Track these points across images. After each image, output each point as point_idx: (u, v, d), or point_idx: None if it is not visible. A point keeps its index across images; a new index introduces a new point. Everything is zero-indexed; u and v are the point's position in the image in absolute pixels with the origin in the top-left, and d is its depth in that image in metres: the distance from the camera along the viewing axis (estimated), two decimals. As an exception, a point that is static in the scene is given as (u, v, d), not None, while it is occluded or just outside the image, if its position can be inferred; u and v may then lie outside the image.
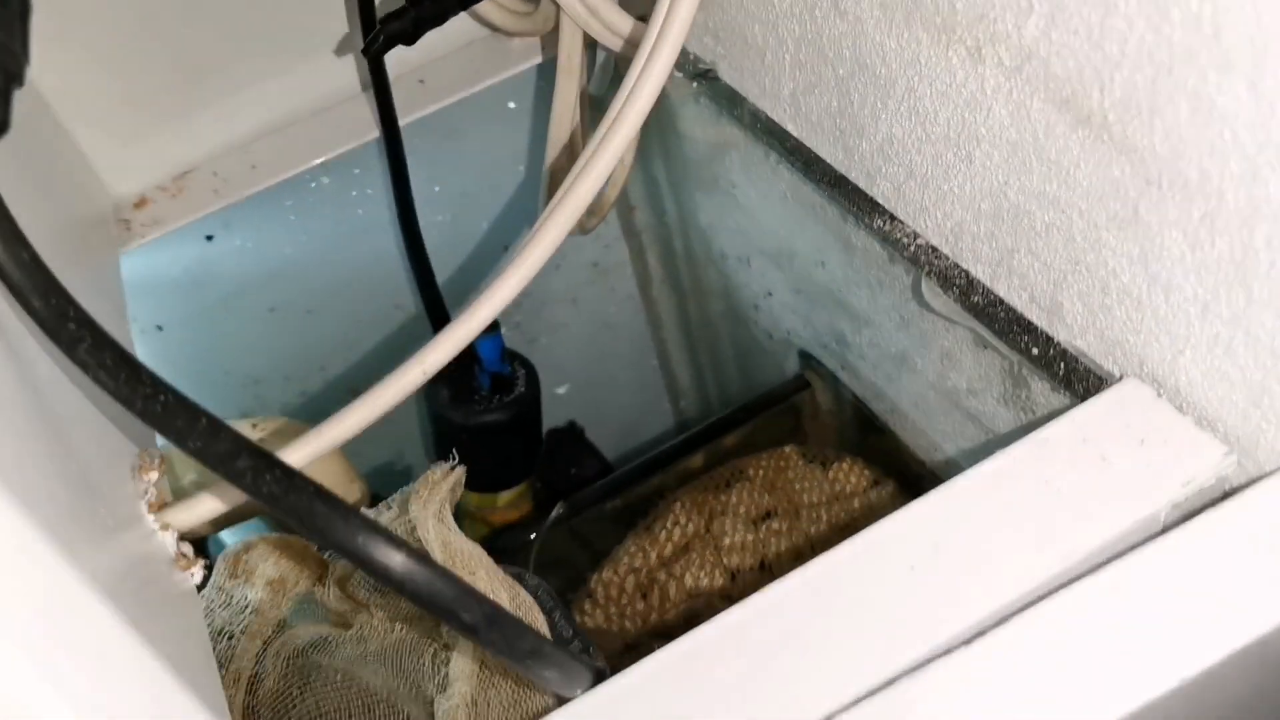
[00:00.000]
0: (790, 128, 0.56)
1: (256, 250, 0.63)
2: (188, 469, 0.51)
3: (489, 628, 0.33)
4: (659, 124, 0.66)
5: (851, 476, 0.59)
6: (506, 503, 0.71)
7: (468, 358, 0.65)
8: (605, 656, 0.45)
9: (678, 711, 0.35)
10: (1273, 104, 0.30)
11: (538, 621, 0.42)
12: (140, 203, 0.59)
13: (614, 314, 0.80)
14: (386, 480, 0.70)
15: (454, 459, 0.44)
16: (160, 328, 0.62)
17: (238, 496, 0.41)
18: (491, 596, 0.41)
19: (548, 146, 0.57)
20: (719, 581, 0.56)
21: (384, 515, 0.44)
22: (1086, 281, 0.41)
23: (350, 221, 0.64)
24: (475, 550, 0.41)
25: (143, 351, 0.60)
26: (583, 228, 0.65)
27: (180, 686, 0.31)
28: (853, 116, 0.50)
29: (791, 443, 0.63)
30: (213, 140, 0.61)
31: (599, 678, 0.36)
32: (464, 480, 0.45)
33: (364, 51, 0.47)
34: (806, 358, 0.64)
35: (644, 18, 0.54)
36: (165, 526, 0.39)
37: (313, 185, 0.61)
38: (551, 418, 0.76)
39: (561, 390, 0.79)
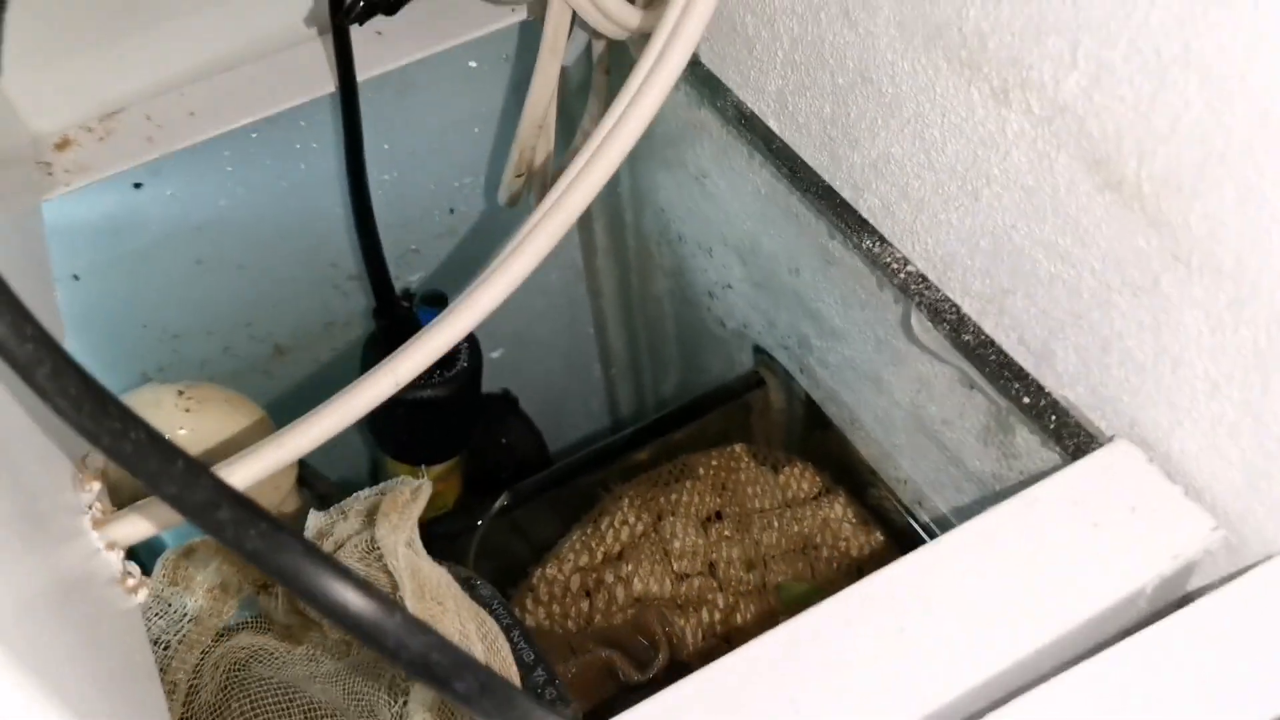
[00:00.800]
0: (773, 124, 0.54)
1: (187, 200, 0.58)
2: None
3: (482, 695, 0.31)
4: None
5: (803, 482, 0.59)
6: (436, 476, 0.68)
7: (411, 328, 0.62)
8: (546, 655, 0.44)
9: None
10: (1332, 212, 0.29)
11: (504, 652, 0.40)
12: (62, 143, 0.53)
13: (554, 280, 0.77)
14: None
15: (422, 475, 0.42)
16: (76, 277, 0.57)
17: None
18: (460, 626, 0.39)
19: (522, 122, 0.54)
20: (667, 587, 0.55)
21: (339, 526, 0.42)
22: (1086, 337, 0.40)
23: (291, 175, 0.60)
24: (444, 577, 0.39)
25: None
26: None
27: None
28: (846, 127, 0.48)
29: (738, 438, 0.62)
30: (146, 77, 0.55)
31: (577, 727, 0.35)
32: (428, 490, 0.42)
33: (342, 19, 0.43)
34: (761, 353, 0.62)
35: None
36: (111, 545, 0.36)
37: (254, 135, 0.57)
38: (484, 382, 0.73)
39: (495, 354, 0.76)
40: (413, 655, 0.30)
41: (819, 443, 0.59)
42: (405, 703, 0.39)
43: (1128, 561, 0.37)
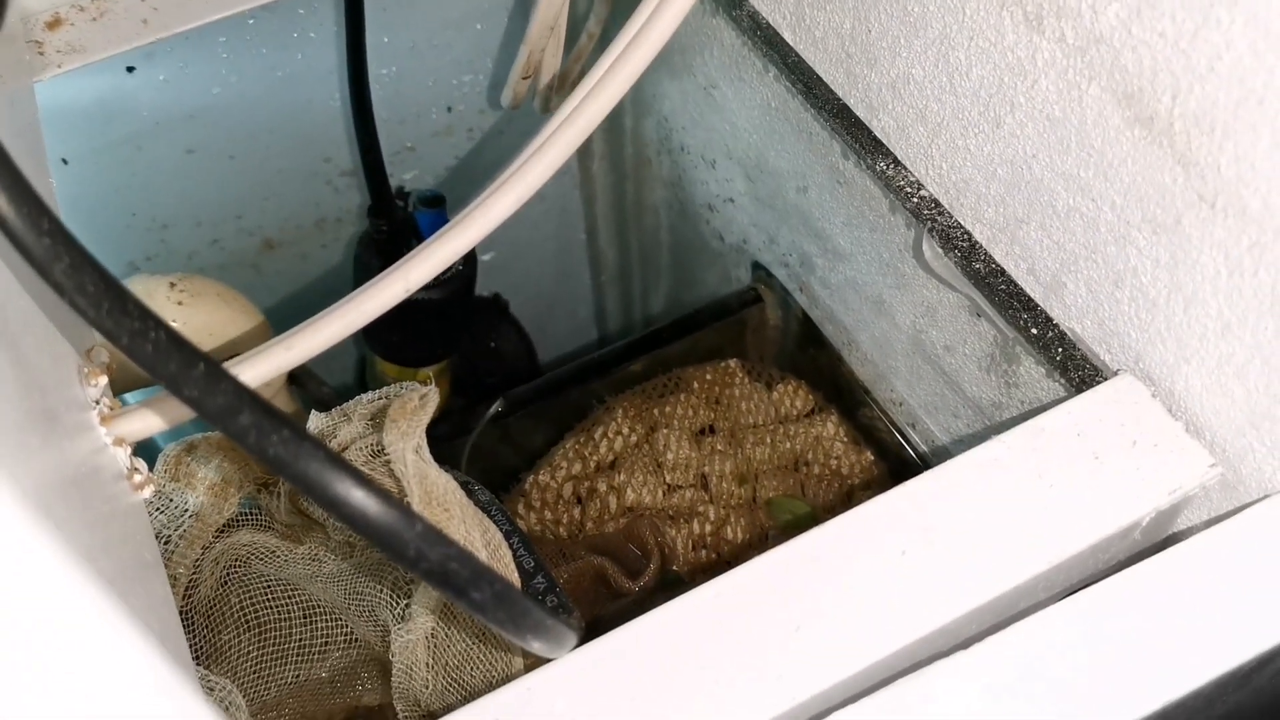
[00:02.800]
0: (788, 36, 0.53)
1: (180, 86, 0.56)
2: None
3: (497, 606, 0.31)
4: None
5: (796, 400, 0.59)
6: (426, 378, 0.68)
7: (408, 230, 0.61)
8: (545, 562, 0.44)
9: (653, 683, 0.34)
10: (1370, 162, 0.29)
11: (506, 559, 0.40)
12: (54, 22, 0.51)
13: (548, 185, 0.76)
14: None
15: (430, 382, 0.41)
16: (65, 161, 0.56)
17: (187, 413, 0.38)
18: (465, 534, 0.39)
19: (532, 23, 0.52)
20: (658, 497, 0.55)
21: (343, 429, 0.42)
22: (1100, 271, 0.40)
23: (287, 65, 0.58)
24: (450, 484, 0.39)
25: (45, 189, 0.54)
26: (546, 106, 0.61)
27: (127, 615, 0.28)
28: (866, 45, 0.48)
29: (733, 353, 0.62)
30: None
31: (581, 640, 0.35)
32: (435, 398, 0.42)
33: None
34: (760, 270, 0.62)
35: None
36: (119, 441, 0.35)
37: (251, 22, 0.55)
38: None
39: (486, 257, 0.76)
40: (431, 565, 0.30)
41: (813, 361, 0.60)
42: (408, 604, 0.39)
43: (1126, 494, 0.38)
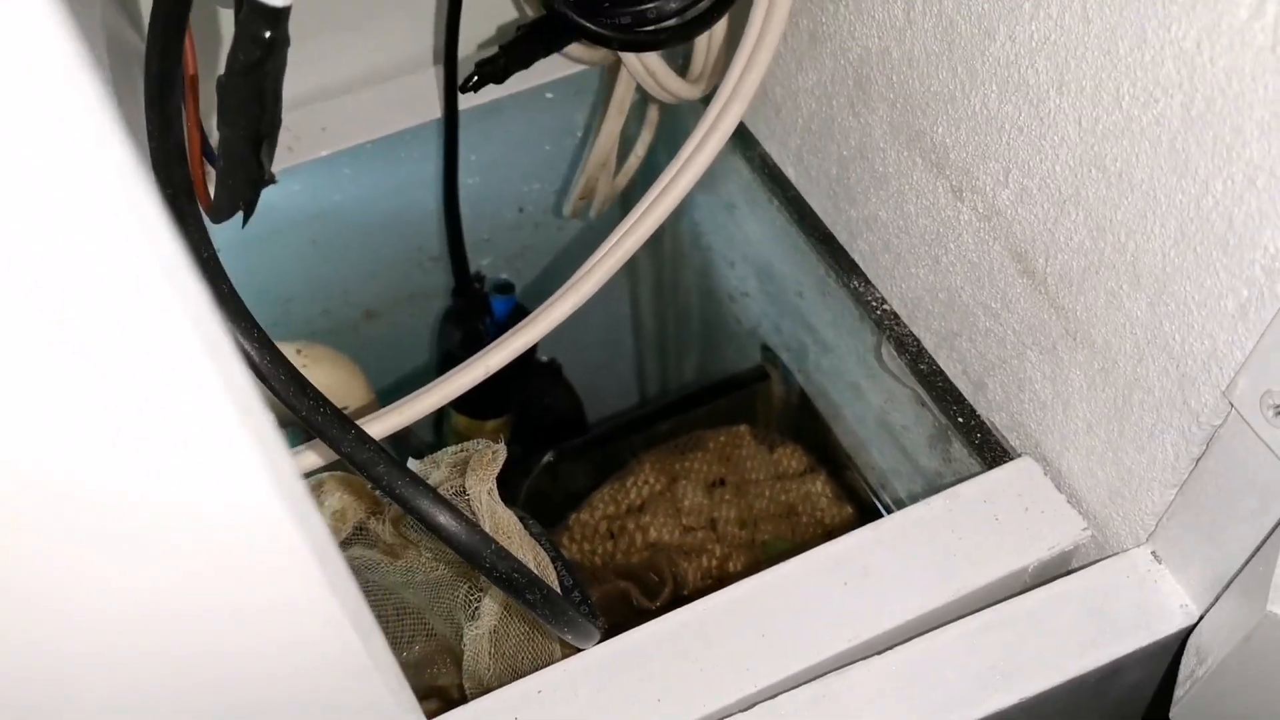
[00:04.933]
0: (790, 172, 0.66)
1: (310, 193, 0.71)
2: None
3: (543, 604, 0.44)
4: (674, 119, 0.75)
5: (793, 461, 0.72)
6: (491, 429, 0.82)
7: (482, 306, 0.76)
8: (581, 582, 0.58)
9: (662, 665, 0.47)
10: (1161, 319, 0.42)
11: (551, 577, 0.54)
12: (220, 147, 0.66)
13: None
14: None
15: (497, 433, 0.55)
16: (219, 250, 0.71)
17: (330, 455, 0.52)
18: (521, 555, 0.53)
19: (588, 163, 0.67)
20: (675, 536, 0.68)
21: (434, 473, 0.55)
22: (1008, 377, 0.53)
23: (394, 178, 0.73)
24: (511, 519, 0.53)
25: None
26: (598, 215, 0.75)
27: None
28: (847, 187, 0.61)
29: (745, 421, 0.75)
30: (290, 93, 0.68)
31: (602, 638, 0.49)
32: (504, 454, 0.55)
33: (460, 89, 0.56)
34: (768, 351, 0.75)
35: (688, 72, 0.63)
36: (280, 479, 0.49)
37: (369, 146, 0.70)
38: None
39: (543, 327, 0.90)
40: (501, 573, 0.43)
41: (809, 429, 0.73)
42: (477, 608, 0.53)
43: (1016, 547, 0.50)
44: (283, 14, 0.34)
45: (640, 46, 0.55)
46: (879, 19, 0.52)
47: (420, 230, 0.77)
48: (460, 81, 0.56)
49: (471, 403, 0.79)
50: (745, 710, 0.46)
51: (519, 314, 0.76)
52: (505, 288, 0.76)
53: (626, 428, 0.74)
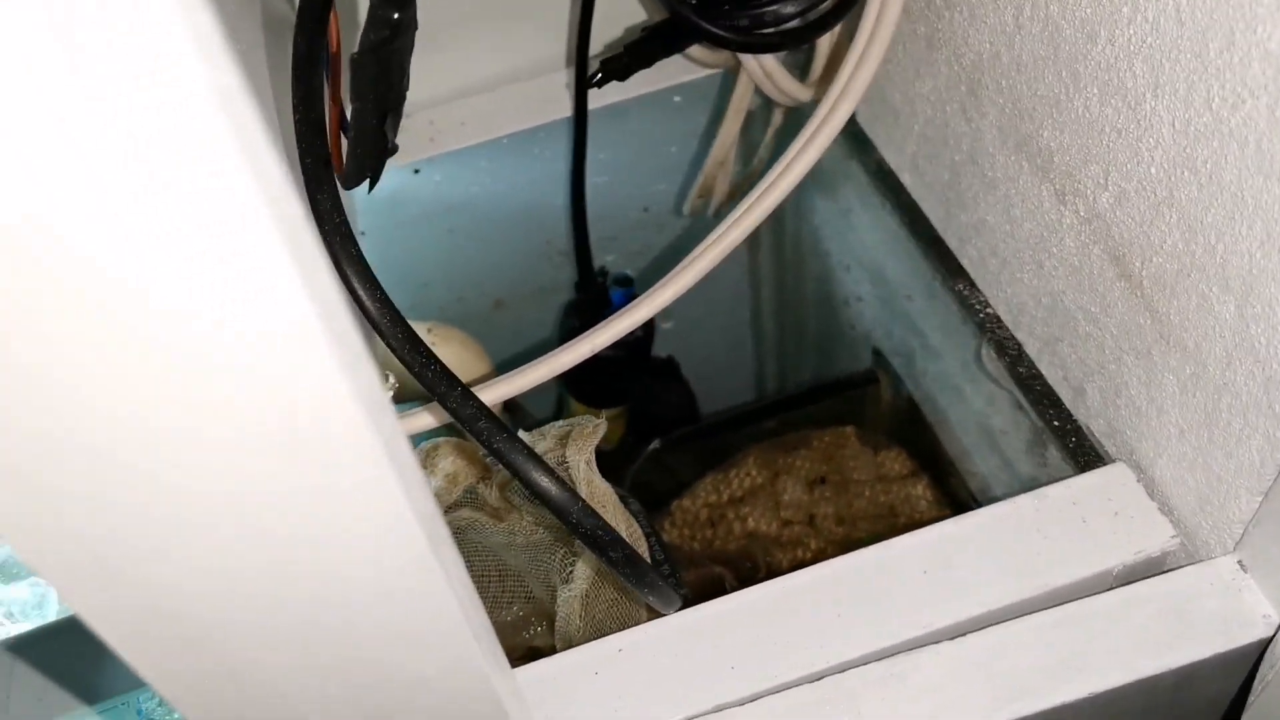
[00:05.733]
0: (905, 178, 0.68)
1: (447, 184, 0.76)
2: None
3: (626, 564, 0.47)
4: (799, 123, 0.77)
5: (895, 464, 0.73)
6: (608, 417, 0.85)
7: (603, 300, 0.79)
8: (672, 559, 0.60)
9: (739, 637, 0.49)
10: (1247, 322, 0.42)
11: (643, 549, 0.56)
12: (369, 137, 0.72)
13: (721, 270, 0.92)
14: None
15: (600, 415, 0.58)
16: (363, 233, 0.76)
17: (445, 415, 0.55)
18: (614, 524, 0.55)
19: (707, 162, 0.69)
20: (773, 528, 0.70)
21: (540, 443, 0.59)
22: (1107, 382, 0.53)
23: (527, 173, 0.77)
24: (607, 489, 0.56)
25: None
26: (716, 214, 0.78)
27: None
28: (958, 193, 0.62)
29: (852, 423, 0.76)
30: (433, 91, 0.73)
31: (684, 604, 0.51)
32: (605, 428, 0.58)
33: (587, 85, 0.59)
34: (879, 356, 0.76)
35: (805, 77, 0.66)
36: (397, 435, 0.54)
37: (505, 143, 0.74)
38: (653, 348, 0.89)
39: (666, 325, 0.93)
40: (586, 529, 0.46)
41: (913, 434, 0.73)
42: (570, 572, 0.56)
43: (1101, 550, 0.50)
44: (409, -2, 0.38)
45: (757, 48, 0.58)
46: (990, 24, 0.54)
47: (550, 225, 0.81)
48: (585, 77, 0.59)
49: (590, 392, 0.83)
50: (813, 682, 0.48)
51: (638, 305, 0.79)
52: (624, 281, 0.79)
53: (734, 421, 0.76)
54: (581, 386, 0.83)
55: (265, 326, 0.22)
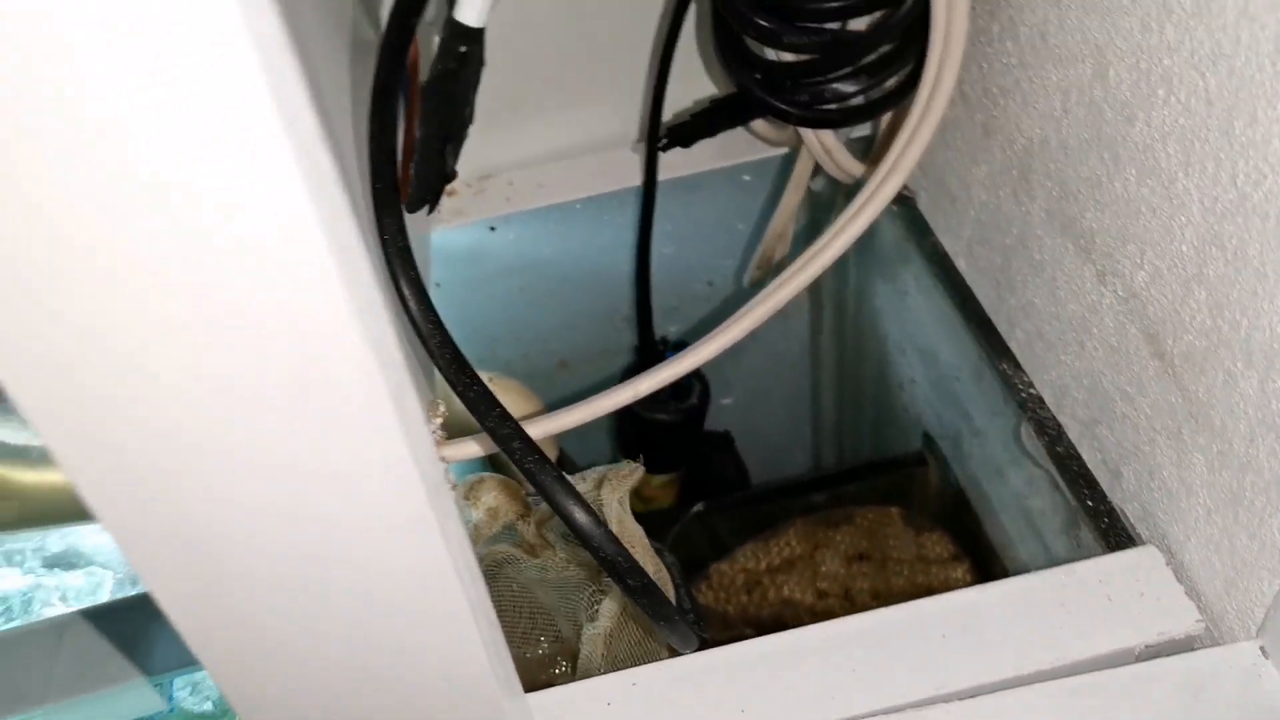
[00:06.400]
0: (961, 263, 0.69)
1: (521, 244, 0.80)
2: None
3: (643, 593, 0.48)
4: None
5: (937, 547, 0.73)
6: (659, 484, 0.87)
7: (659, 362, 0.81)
8: (708, 630, 0.61)
9: (753, 681, 0.50)
10: (1269, 398, 0.43)
11: (668, 590, 0.57)
12: (450, 192, 0.76)
13: (784, 349, 0.94)
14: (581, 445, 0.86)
15: (639, 459, 0.60)
16: (438, 284, 0.80)
17: (491, 446, 0.58)
18: (642, 564, 0.57)
19: (766, 233, 0.72)
20: (809, 598, 0.70)
21: (580, 485, 0.61)
22: (1141, 465, 0.54)
23: (597, 239, 0.80)
24: (638, 531, 0.57)
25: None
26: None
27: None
28: (1009, 275, 0.63)
29: (897, 503, 0.76)
30: (513, 155, 0.78)
31: (703, 645, 0.52)
32: (641, 473, 0.60)
33: (654, 149, 0.63)
34: (929, 440, 0.77)
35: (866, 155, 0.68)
36: (444, 460, 0.56)
37: (578, 208, 0.78)
38: (712, 422, 0.91)
39: (726, 401, 0.94)
40: (608, 554, 0.48)
41: (958, 518, 0.73)
42: (596, 610, 0.57)
43: (1123, 628, 0.50)
44: (476, 33, 0.41)
45: (815, 123, 0.60)
46: (1040, 109, 0.56)
47: (616, 290, 0.84)
48: (655, 141, 0.63)
49: (645, 456, 0.84)
50: (820, 730, 0.48)
51: (693, 373, 0.81)
52: (681, 346, 0.81)
53: (779, 491, 0.77)
54: (634, 450, 0.85)
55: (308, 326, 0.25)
